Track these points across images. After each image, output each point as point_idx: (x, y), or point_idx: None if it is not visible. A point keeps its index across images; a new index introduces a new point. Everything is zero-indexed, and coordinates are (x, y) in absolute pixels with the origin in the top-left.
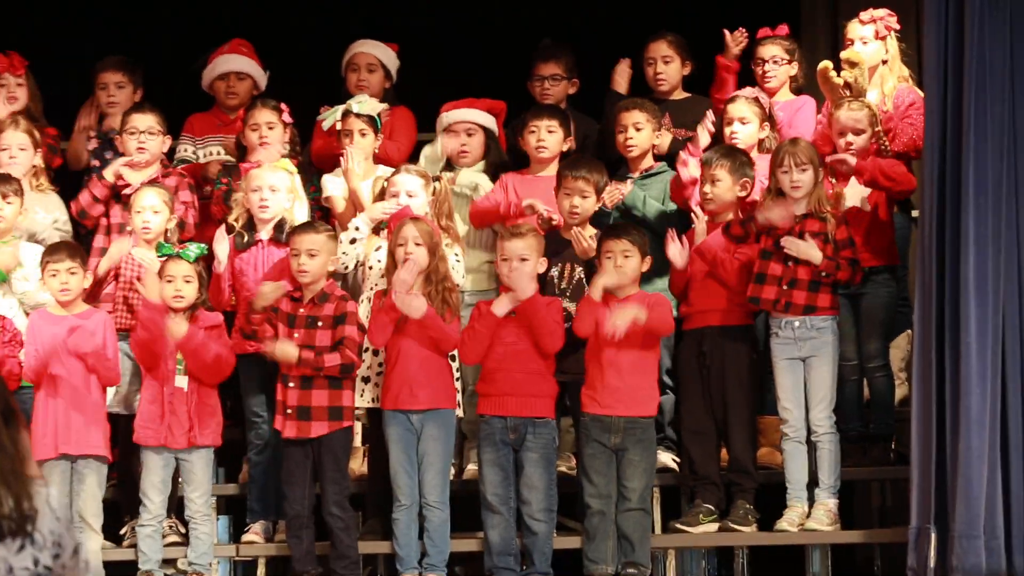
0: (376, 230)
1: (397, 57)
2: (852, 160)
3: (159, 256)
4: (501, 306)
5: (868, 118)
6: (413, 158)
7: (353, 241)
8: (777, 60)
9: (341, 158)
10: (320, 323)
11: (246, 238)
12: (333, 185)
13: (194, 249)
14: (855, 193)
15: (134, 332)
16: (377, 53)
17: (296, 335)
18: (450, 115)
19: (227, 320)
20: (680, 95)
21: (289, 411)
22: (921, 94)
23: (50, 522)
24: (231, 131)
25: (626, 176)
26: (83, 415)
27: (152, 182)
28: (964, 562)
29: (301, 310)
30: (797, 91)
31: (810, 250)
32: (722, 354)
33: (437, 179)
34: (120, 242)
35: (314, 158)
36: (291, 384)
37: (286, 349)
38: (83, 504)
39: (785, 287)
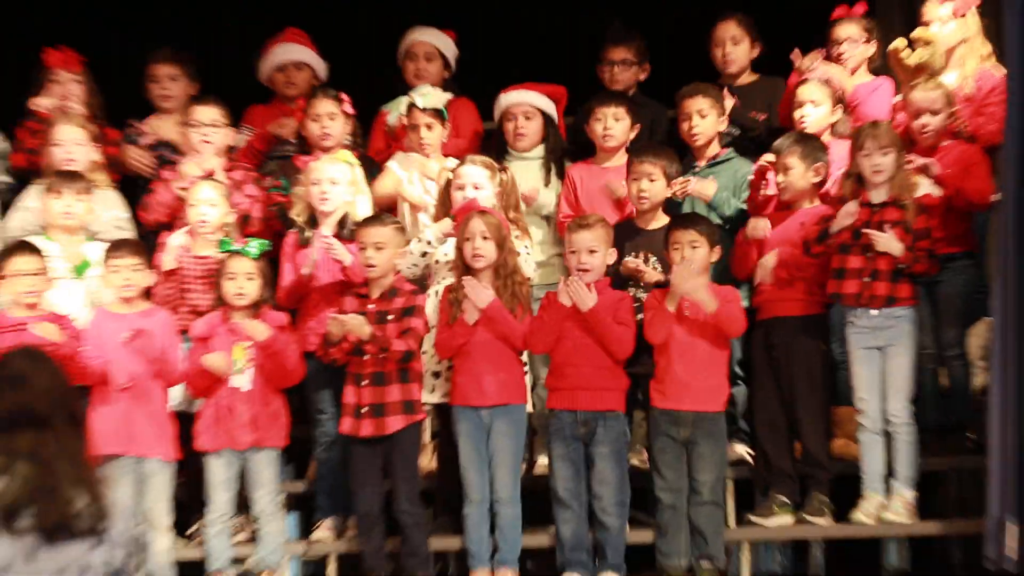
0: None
1: (455, 45)
2: (936, 168)
3: (220, 251)
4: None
5: (943, 98)
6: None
7: (424, 254)
8: (854, 39)
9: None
10: (390, 317)
11: (308, 234)
12: (397, 169)
13: (256, 245)
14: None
15: (187, 378)
16: (435, 41)
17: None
18: (507, 97)
19: None
20: (749, 77)
21: (364, 410)
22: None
23: (121, 522)
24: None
25: (692, 165)
26: (146, 415)
27: (210, 175)
28: None
29: (371, 306)
30: (875, 72)
31: (891, 242)
32: (791, 345)
33: (503, 170)
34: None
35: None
36: (364, 383)
37: (359, 323)
38: (150, 504)
39: (867, 279)
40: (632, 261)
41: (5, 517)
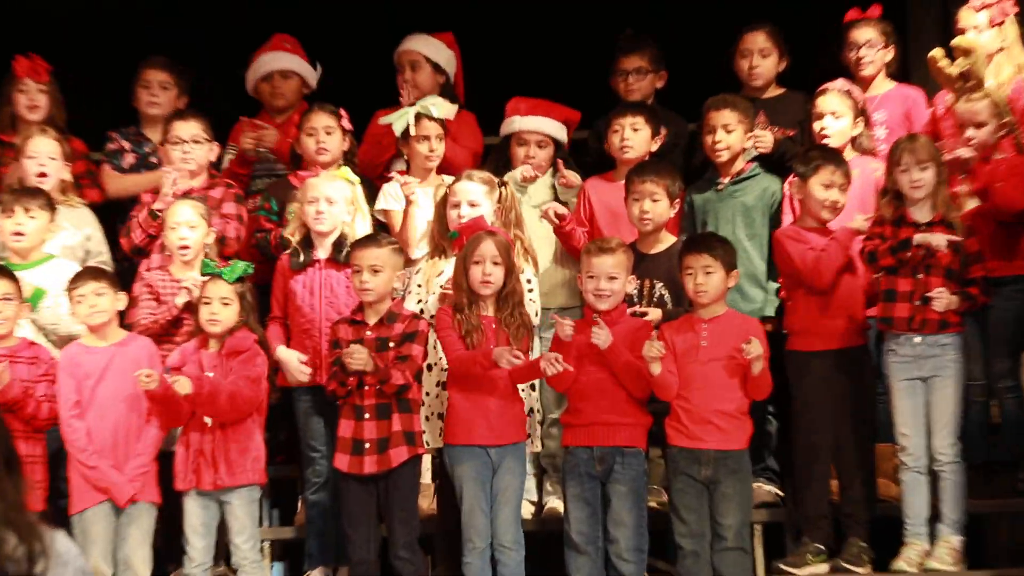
0: (442, 251)
1: (449, 48)
2: (966, 153)
3: (203, 274)
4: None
5: (989, 109)
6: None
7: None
8: (872, 43)
9: (398, 176)
10: (391, 344)
11: (302, 257)
12: (392, 198)
13: (237, 269)
14: None
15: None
16: (420, 48)
17: None
18: (524, 122)
19: None
20: (775, 91)
21: (368, 445)
22: None
23: (61, 568)
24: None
25: (714, 182)
26: (127, 456)
27: (186, 195)
28: None
29: (368, 333)
30: (893, 78)
31: (949, 300)
32: (839, 377)
33: (503, 184)
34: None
35: (361, 166)
36: (367, 416)
37: (362, 356)
38: (130, 550)
39: (918, 303)
40: (636, 309)
41: None
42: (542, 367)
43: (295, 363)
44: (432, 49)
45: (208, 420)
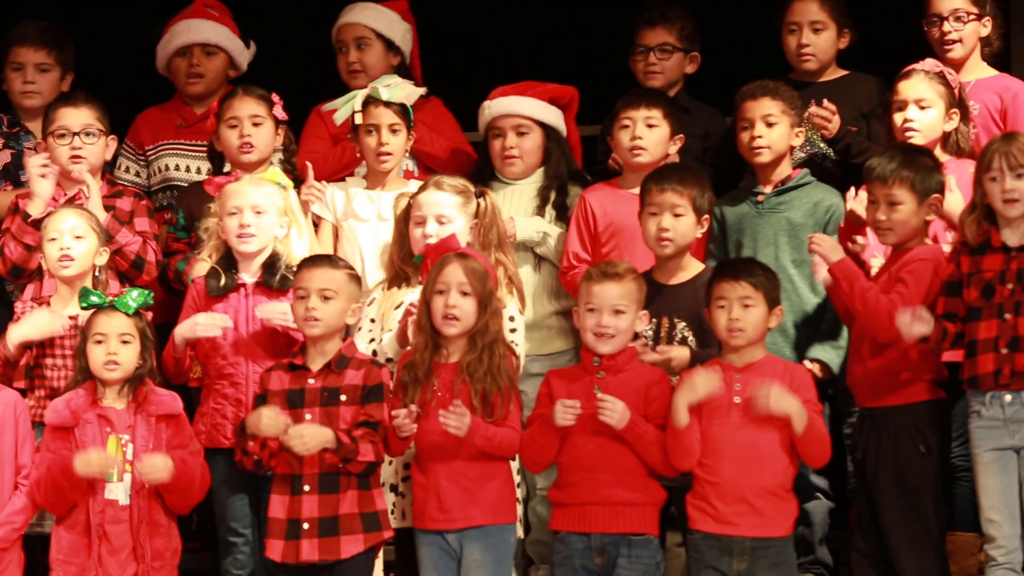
0: (403, 279)
1: (404, 20)
2: None
3: (83, 307)
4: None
5: None
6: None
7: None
8: (961, 16)
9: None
10: (344, 397)
11: (223, 281)
12: (328, 202)
13: (134, 297)
14: None
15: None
16: (367, 21)
17: (307, 416)
18: (492, 107)
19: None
20: (834, 74)
21: (307, 527)
22: None
23: None
24: (196, 135)
25: (752, 192)
26: None
27: (72, 201)
28: None
29: (311, 381)
30: (992, 59)
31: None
32: (879, 443)
33: (481, 194)
34: (40, 314)
35: (300, 169)
36: (307, 488)
37: (271, 422)
38: None
39: (1004, 350)
40: (651, 355)
41: None
42: (556, 417)
43: (210, 316)
44: (383, 22)
45: (124, 499)
